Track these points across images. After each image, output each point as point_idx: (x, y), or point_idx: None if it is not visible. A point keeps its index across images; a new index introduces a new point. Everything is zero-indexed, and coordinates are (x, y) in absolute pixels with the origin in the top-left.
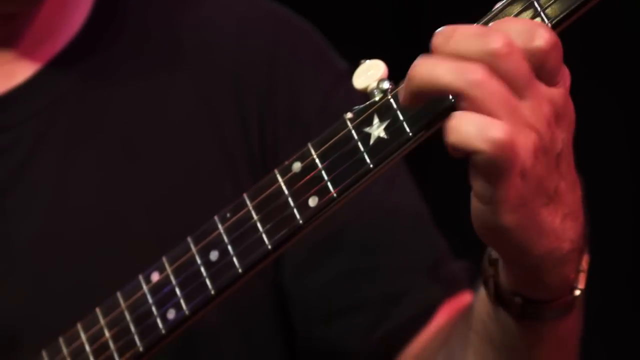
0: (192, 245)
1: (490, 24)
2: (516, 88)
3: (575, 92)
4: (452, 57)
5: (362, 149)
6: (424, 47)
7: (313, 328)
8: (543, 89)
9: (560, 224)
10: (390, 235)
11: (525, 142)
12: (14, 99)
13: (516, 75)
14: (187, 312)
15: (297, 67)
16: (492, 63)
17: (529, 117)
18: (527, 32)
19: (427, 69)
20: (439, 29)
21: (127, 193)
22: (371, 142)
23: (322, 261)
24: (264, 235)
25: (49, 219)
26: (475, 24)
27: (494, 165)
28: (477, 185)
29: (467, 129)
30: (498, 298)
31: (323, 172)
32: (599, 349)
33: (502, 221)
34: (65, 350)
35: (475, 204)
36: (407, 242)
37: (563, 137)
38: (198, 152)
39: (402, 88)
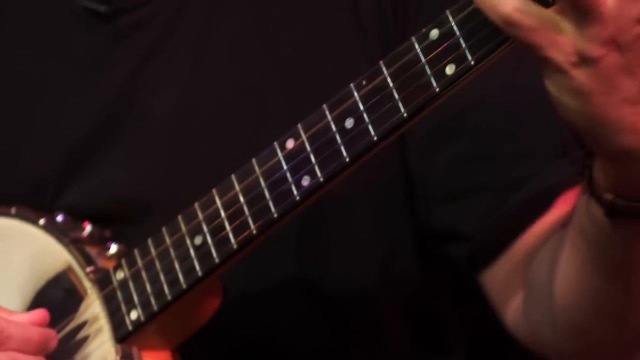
0: (327, 113)
1: None
2: None
3: None
4: None
5: None
6: None
7: (430, 209)
8: None
9: None
10: (515, 120)
11: (594, 32)
12: None
13: None
14: (321, 179)
15: None
16: None
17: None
18: None
19: None
20: None
21: (264, 68)
22: None
23: (443, 143)
24: (399, 103)
25: (186, 91)
26: None
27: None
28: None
29: None
30: (591, 190)
31: (461, 40)
32: None
33: (564, 103)
34: (200, 216)
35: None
36: (531, 128)
37: None
38: (335, 31)
39: None
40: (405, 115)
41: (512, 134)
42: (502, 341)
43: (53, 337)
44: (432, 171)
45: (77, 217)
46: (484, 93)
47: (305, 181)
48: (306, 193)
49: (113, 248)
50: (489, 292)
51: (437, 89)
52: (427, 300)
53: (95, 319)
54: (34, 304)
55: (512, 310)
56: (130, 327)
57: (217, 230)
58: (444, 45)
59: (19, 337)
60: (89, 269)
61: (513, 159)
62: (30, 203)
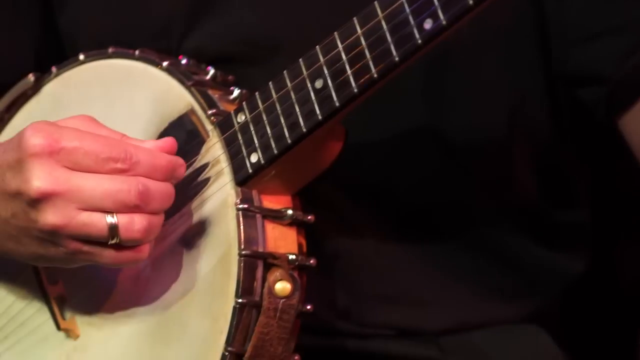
0: None
1: None
2: None
3: None
4: None
5: None
6: None
7: (567, 53)
8: None
9: None
10: None
11: None
12: None
13: None
14: (443, 22)
15: None
16: None
17: None
18: None
19: None
20: None
21: None
22: None
23: None
24: None
25: None
26: None
27: None
28: None
29: None
30: None
31: None
32: None
33: None
34: (321, 59)
35: None
36: None
37: None
38: None
39: None
40: None
41: None
42: (625, 195)
43: (181, 165)
44: (569, 12)
45: (202, 59)
46: None
47: (428, 24)
48: (428, 36)
49: (235, 92)
50: (629, 135)
51: None
52: (555, 151)
53: (217, 161)
54: None
55: None
56: (250, 170)
57: (338, 74)
58: None
59: (146, 163)
60: (210, 112)
61: None
62: (156, 46)
